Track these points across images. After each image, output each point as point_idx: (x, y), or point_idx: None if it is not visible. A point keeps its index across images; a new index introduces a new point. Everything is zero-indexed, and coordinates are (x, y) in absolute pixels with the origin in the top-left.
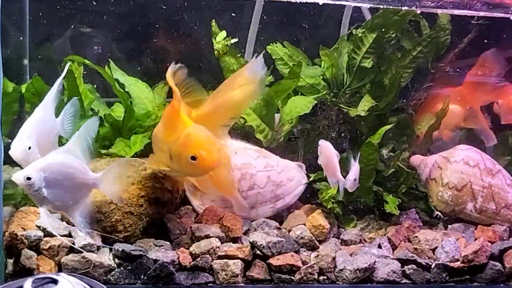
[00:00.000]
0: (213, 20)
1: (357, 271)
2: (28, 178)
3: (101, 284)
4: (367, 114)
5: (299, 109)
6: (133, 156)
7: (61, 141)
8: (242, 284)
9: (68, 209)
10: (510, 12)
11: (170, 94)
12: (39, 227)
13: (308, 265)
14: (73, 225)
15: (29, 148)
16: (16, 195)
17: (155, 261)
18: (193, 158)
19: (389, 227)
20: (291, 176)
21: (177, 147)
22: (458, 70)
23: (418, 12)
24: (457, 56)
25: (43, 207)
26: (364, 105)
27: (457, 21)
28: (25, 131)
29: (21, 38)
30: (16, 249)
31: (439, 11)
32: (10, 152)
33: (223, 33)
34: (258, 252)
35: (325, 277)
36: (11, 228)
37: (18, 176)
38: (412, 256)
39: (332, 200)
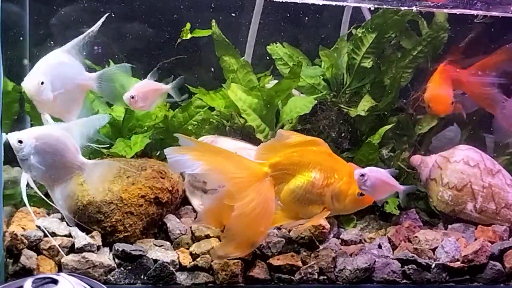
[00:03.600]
0: (213, 20)
1: (357, 271)
2: (20, 142)
3: (101, 284)
4: (367, 114)
5: (299, 109)
6: (133, 157)
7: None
8: (242, 284)
9: (50, 183)
10: (510, 12)
11: (170, 94)
12: (39, 227)
13: (308, 265)
14: (73, 225)
15: (42, 83)
16: (16, 195)
17: (155, 261)
18: (362, 194)
19: (389, 227)
20: None
21: (342, 186)
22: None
23: (415, 9)
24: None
25: (27, 174)
26: (364, 105)
27: (456, 20)
28: (40, 67)
29: (21, 38)
30: (16, 249)
31: (439, 10)
32: (22, 85)
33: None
34: (258, 252)
35: (325, 277)
36: (11, 228)
37: (12, 136)
38: (412, 256)
39: None
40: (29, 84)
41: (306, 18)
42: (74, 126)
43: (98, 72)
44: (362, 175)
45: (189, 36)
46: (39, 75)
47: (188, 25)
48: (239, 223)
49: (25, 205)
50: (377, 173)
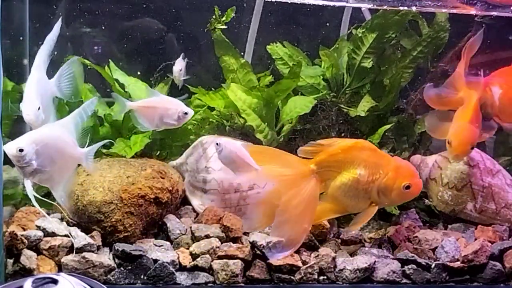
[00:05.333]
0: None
1: (357, 271)
2: (21, 150)
3: (101, 284)
4: (367, 114)
5: (299, 109)
6: (133, 157)
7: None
8: (242, 284)
9: (53, 183)
10: (510, 12)
11: (169, 94)
12: (39, 227)
13: (308, 265)
14: (73, 225)
15: (39, 108)
16: (16, 195)
17: (155, 261)
18: (408, 187)
19: (389, 227)
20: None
21: (388, 180)
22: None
23: (414, 9)
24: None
25: (29, 180)
26: (364, 106)
27: (456, 19)
28: (32, 92)
29: (21, 38)
30: (16, 249)
31: (438, 10)
32: (23, 114)
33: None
34: (258, 252)
35: (325, 277)
36: (11, 228)
37: (10, 147)
38: (412, 256)
39: None
40: (30, 112)
41: (306, 18)
42: (68, 120)
43: (54, 78)
44: (218, 144)
45: (219, 26)
46: (35, 100)
47: (217, 11)
48: (283, 220)
49: (25, 205)
50: (232, 146)
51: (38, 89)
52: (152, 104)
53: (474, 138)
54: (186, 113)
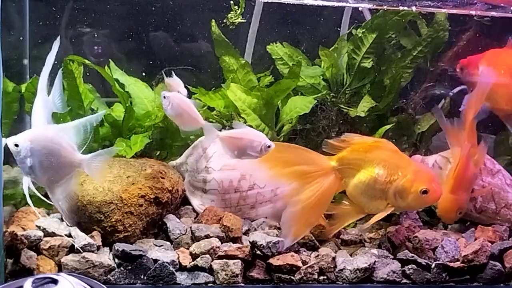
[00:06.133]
0: (213, 20)
1: (357, 271)
2: (16, 145)
3: (101, 284)
4: (367, 114)
5: (299, 109)
6: (133, 157)
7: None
8: (242, 284)
9: (50, 184)
10: (510, 12)
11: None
12: (39, 227)
13: (308, 265)
14: (73, 226)
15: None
16: (16, 195)
17: (155, 261)
18: (425, 191)
19: (389, 227)
20: None
21: (406, 183)
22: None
23: (414, 9)
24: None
25: (27, 177)
26: (364, 106)
27: (455, 19)
28: (40, 119)
29: (21, 38)
30: (16, 249)
31: (438, 10)
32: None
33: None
34: (258, 252)
35: (325, 277)
36: (11, 228)
37: (9, 141)
38: (412, 256)
39: (333, 200)
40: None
41: (306, 18)
42: (69, 125)
43: (51, 95)
44: (165, 97)
45: (238, 20)
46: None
47: (235, 8)
48: (294, 210)
49: (25, 205)
50: (180, 100)
51: (44, 113)
52: (240, 136)
53: (460, 206)
54: (269, 146)
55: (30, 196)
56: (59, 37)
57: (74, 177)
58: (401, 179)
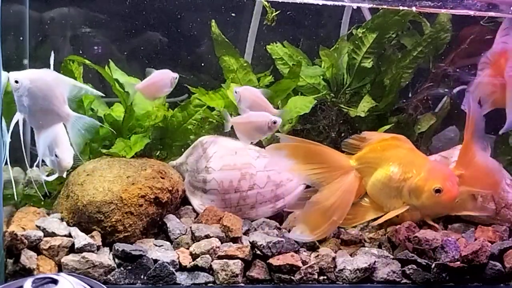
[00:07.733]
0: (213, 20)
1: (357, 271)
2: (16, 81)
3: (101, 284)
4: (367, 114)
5: (299, 109)
6: (133, 157)
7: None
8: (242, 284)
9: (37, 127)
10: (510, 12)
11: (169, 94)
12: (39, 227)
13: (308, 265)
14: (73, 225)
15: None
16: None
17: (155, 261)
18: (438, 190)
19: (389, 227)
20: (291, 176)
21: (419, 181)
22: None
23: (414, 9)
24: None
25: (21, 114)
26: (364, 106)
27: (458, 20)
28: (67, 139)
29: (21, 38)
30: (16, 249)
31: (438, 11)
32: (62, 161)
33: None
34: (258, 252)
35: (325, 277)
36: (11, 228)
37: (11, 75)
38: (412, 256)
39: None
40: (70, 158)
41: (306, 18)
42: (67, 80)
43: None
44: (236, 92)
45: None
46: (70, 148)
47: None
48: (314, 209)
49: (25, 205)
50: (248, 92)
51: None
52: (246, 120)
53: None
54: (275, 122)
55: (30, 196)
56: (52, 53)
57: (59, 128)
58: (415, 177)
